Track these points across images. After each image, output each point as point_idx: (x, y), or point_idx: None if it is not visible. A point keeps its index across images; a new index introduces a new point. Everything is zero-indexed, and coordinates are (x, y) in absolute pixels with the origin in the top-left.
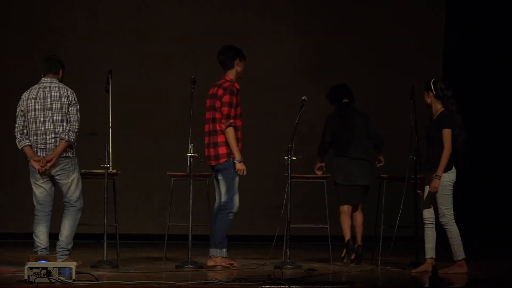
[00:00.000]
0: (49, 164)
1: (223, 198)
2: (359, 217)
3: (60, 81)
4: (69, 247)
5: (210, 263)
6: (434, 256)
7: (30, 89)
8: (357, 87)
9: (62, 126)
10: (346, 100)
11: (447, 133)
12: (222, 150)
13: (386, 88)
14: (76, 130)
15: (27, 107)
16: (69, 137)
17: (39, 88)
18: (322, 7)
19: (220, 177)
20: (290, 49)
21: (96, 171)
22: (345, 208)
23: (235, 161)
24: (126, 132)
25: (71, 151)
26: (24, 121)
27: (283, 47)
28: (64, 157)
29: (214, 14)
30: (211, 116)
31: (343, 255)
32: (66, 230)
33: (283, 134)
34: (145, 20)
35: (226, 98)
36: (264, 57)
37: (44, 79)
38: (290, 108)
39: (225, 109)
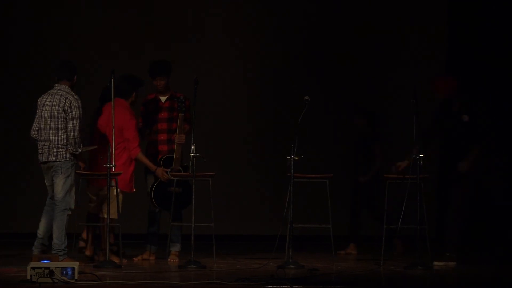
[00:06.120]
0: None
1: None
2: None
3: (72, 86)
4: (63, 246)
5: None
6: None
7: (45, 94)
8: (358, 86)
9: (57, 134)
10: None
11: None
12: None
13: (387, 87)
14: (73, 140)
15: (40, 112)
16: (70, 149)
17: (49, 95)
18: (323, 6)
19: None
20: (292, 48)
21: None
22: None
23: None
24: None
25: (64, 155)
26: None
27: (285, 46)
28: (56, 161)
29: (216, 14)
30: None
31: None
32: (54, 231)
33: (286, 133)
34: (146, 19)
35: None
36: (266, 56)
37: (56, 85)
38: (294, 107)
39: None
